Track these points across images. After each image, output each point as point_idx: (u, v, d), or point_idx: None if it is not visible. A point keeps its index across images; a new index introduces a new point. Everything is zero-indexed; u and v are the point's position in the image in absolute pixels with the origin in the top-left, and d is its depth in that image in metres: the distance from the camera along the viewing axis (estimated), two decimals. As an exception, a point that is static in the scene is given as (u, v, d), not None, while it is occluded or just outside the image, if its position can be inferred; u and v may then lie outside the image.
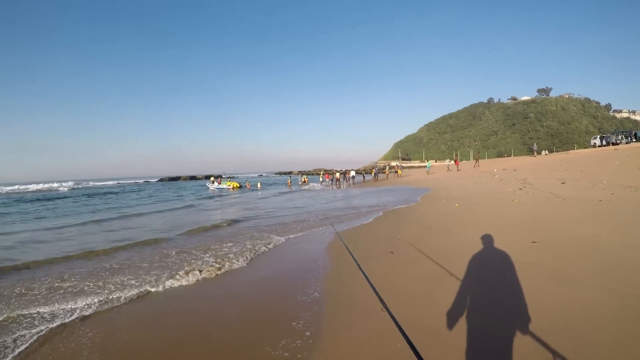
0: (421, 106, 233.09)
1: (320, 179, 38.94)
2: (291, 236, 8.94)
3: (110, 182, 79.17)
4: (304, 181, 39.31)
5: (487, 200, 12.37)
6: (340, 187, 31.46)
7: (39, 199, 29.45)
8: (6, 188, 53.01)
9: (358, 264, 2.57)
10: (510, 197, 12.05)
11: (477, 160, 41.34)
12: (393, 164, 78.39)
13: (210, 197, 26.01)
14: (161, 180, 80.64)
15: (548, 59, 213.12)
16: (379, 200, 17.53)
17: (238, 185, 36.02)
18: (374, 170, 46.27)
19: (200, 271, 5.90)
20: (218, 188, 35.74)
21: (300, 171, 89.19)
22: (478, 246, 4.98)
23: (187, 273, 5.79)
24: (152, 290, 5.24)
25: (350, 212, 13.15)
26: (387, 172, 42.29)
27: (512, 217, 8.67)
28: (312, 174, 77.15)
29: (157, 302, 4.84)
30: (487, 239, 5.25)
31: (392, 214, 11.72)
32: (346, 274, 5.40)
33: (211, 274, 5.88)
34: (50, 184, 56.96)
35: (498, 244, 5.27)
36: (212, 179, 40.35)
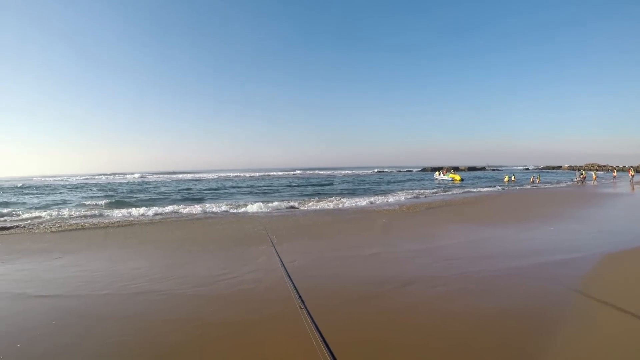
0: None
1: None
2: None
3: (366, 171, 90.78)
4: (583, 177, 33.45)
5: None
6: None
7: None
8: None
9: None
10: None
11: None
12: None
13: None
14: (423, 169, 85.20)
15: None
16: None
17: (460, 178, 37.12)
18: None
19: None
20: (443, 179, 38.46)
21: (571, 166, 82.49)
22: None
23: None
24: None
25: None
26: None
27: None
28: (585, 169, 69.37)
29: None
30: None
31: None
32: None
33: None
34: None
35: None
36: (437, 171, 44.25)
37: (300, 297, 2.49)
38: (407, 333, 3.55)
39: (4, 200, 23.13)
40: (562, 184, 31.28)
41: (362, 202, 17.35)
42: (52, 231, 11.03)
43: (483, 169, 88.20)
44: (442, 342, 3.36)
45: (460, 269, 5.69)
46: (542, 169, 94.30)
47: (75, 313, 4.47)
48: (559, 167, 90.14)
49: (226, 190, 29.62)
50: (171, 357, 3.31)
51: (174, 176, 72.19)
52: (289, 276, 3.02)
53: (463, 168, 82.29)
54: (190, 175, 73.86)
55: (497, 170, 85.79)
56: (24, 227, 11.75)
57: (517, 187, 27.59)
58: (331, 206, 16.15)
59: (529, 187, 28.46)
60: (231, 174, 77.12)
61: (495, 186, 28.73)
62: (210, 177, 64.00)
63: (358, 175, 68.97)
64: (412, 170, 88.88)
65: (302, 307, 2.37)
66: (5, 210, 15.91)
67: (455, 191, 23.76)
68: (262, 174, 77.67)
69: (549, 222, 10.72)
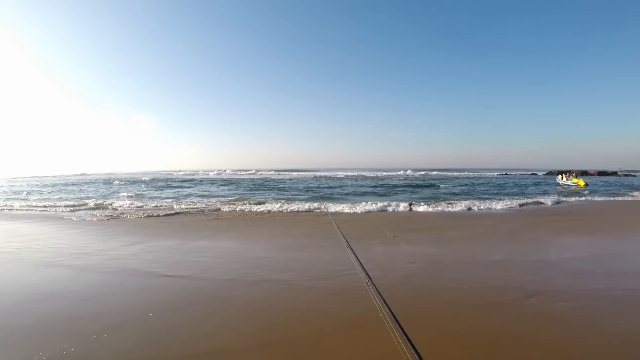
0: None
1: None
2: None
3: (488, 173, 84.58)
4: None
5: None
6: None
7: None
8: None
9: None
10: None
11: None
12: None
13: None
14: (549, 173, 76.73)
15: None
16: None
17: (584, 183, 32.73)
18: None
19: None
20: (565, 184, 34.67)
21: None
22: None
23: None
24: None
25: None
26: None
27: None
28: None
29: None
30: None
31: None
32: None
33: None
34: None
35: None
36: (560, 175, 39.41)
37: (367, 274, 2.58)
38: (526, 347, 3.41)
39: (136, 192, 26.75)
40: None
41: (481, 206, 16.01)
42: (177, 219, 12.53)
43: (615, 173, 75.42)
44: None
45: (586, 285, 5.33)
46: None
47: (200, 293, 4.94)
48: None
49: (343, 189, 30.23)
50: (286, 345, 3.49)
51: (293, 174, 76.85)
52: (358, 259, 3.27)
53: (592, 172, 71.25)
54: (307, 174, 77.15)
55: (631, 175, 72.38)
56: (151, 215, 13.51)
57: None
58: (450, 209, 15.24)
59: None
60: (347, 173, 78.30)
61: (626, 194, 23.24)
62: (331, 175, 66.34)
63: (479, 177, 63.52)
64: (537, 174, 79.35)
65: (368, 283, 2.44)
66: (127, 203, 18.15)
67: (580, 198, 20.18)
68: (376, 173, 77.34)
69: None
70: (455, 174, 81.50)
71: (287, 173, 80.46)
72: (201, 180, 45.28)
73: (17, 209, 15.85)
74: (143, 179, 51.95)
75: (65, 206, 16.51)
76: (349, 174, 75.30)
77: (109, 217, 12.86)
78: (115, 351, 3.40)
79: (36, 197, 21.95)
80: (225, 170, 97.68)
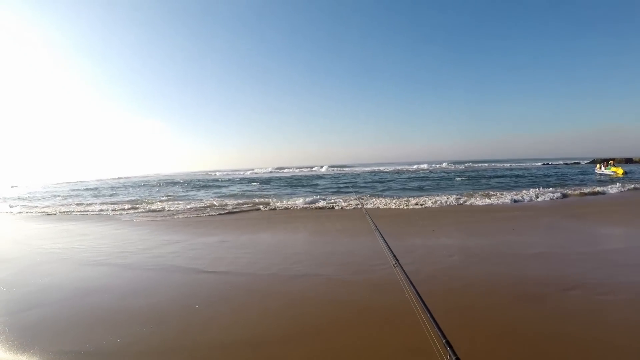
0: None
1: None
2: None
3: (531, 164, 77.28)
4: None
5: None
6: None
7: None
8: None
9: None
10: None
11: None
12: None
13: None
14: (592, 162, 70.20)
15: None
16: None
17: (622, 171, 30.84)
18: None
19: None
20: (603, 174, 32.75)
21: None
22: None
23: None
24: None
25: None
26: None
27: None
28: None
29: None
30: None
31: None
32: None
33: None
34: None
35: None
36: (599, 165, 37.33)
37: (395, 256, 2.60)
38: (564, 340, 3.35)
39: (174, 192, 27.51)
40: None
41: (520, 197, 15.48)
42: (216, 218, 12.80)
43: (606, 161, 69.97)
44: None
45: (629, 277, 5.18)
46: None
47: (240, 287, 5.14)
48: None
49: (383, 184, 29.59)
50: (323, 335, 3.59)
51: (332, 170, 73.88)
52: (386, 242, 3.11)
53: (637, 159, 67.08)
54: (347, 170, 74.60)
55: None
56: (190, 215, 13.73)
57: None
58: (489, 201, 14.76)
59: None
60: (388, 168, 74.89)
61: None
62: (371, 170, 64.56)
63: (520, 167, 60.40)
64: (580, 162, 75.06)
65: (395, 265, 2.47)
66: (166, 203, 18.14)
67: (623, 188, 18.52)
68: (416, 166, 72.92)
69: None
70: (497, 165, 78.55)
71: (326, 169, 79.07)
72: (238, 180, 45.06)
73: (61, 212, 16.74)
74: (180, 180, 51.90)
75: (107, 208, 17.23)
76: (390, 168, 72.97)
77: (150, 218, 13.32)
78: (159, 341, 3.56)
79: (79, 201, 23.20)
80: (261, 169, 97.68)
